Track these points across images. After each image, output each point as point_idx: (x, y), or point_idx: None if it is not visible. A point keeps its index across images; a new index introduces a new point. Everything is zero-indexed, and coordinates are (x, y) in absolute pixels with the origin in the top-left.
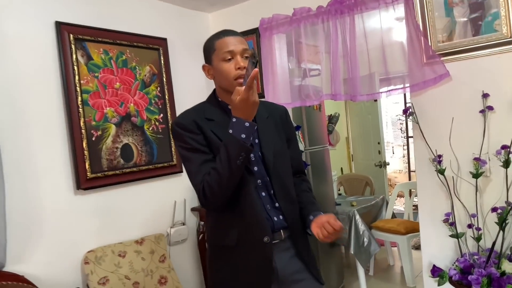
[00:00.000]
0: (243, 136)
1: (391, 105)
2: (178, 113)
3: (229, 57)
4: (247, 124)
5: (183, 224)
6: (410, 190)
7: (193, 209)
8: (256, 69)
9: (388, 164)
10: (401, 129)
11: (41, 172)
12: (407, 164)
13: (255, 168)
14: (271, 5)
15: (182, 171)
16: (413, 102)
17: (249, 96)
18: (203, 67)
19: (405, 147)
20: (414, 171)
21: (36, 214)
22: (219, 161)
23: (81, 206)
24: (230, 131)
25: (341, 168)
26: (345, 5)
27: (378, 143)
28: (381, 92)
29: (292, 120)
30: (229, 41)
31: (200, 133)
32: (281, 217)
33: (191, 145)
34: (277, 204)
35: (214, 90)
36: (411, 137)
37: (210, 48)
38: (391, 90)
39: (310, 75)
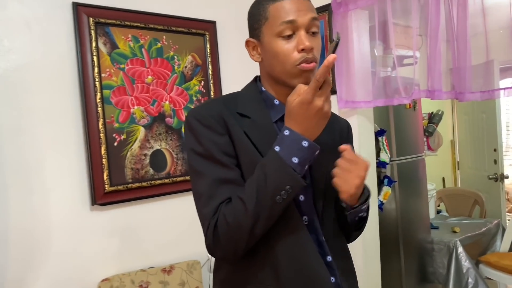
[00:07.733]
0: (295, 160)
1: None
2: None
3: (290, 33)
4: (305, 143)
5: None
6: None
7: None
8: (334, 56)
9: (507, 177)
10: None
11: (50, 184)
12: None
13: (301, 198)
14: None
15: None
16: None
17: (314, 98)
18: (247, 42)
19: None
20: None
21: (41, 233)
22: (250, 188)
23: (96, 225)
24: (277, 148)
25: (443, 179)
26: None
27: (495, 150)
28: (504, 89)
29: (375, 122)
30: (289, 6)
31: (225, 133)
32: (333, 279)
33: (207, 150)
34: (328, 258)
35: (257, 77)
36: None
37: (258, 16)
38: None
39: (403, 63)
